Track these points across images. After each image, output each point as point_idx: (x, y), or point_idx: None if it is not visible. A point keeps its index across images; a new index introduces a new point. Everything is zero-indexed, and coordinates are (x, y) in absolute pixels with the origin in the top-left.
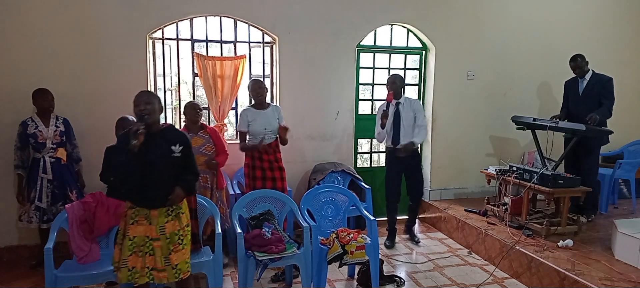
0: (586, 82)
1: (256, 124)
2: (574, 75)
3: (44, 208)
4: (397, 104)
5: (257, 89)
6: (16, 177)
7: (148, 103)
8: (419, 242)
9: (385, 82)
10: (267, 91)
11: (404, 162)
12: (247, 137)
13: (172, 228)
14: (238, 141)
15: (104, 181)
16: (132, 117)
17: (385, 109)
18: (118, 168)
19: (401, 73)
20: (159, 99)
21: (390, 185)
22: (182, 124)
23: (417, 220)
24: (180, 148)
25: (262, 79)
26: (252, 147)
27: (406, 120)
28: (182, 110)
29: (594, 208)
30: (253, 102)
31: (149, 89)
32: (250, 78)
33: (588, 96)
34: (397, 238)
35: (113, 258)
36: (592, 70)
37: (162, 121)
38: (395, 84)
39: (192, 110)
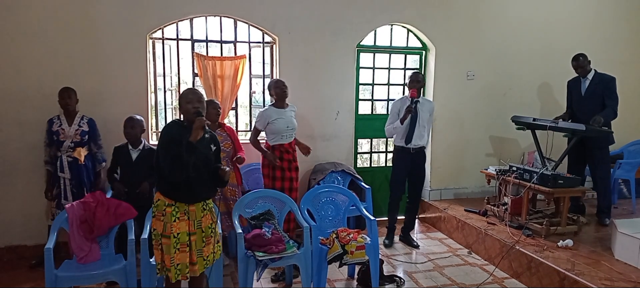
0: (589, 81)
1: (279, 123)
2: (576, 75)
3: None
4: (416, 102)
5: (282, 86)
6: (45, 172)
7: (200, 101)
8: (418, 246)
9: (409, 78)
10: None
11: (414, 161)
12: (264, 134)
13: (206, 221)
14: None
15: (111, 180)
16: (139, 117)
17: (410, 104)
18: (175, 161)
19: (401, 74)
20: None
21: (396, 184)
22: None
23: (416, 222)
24: (215, 148)
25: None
26: (270, 157)
27: (422, 120)
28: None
29: (609, 211)
30: (274, 101)
31: (193, 88)
32: (250, 78)
33: (591, 96)
34: (396, 238)
35: (156, 261)
36: (595, 70)
37: (162, 121)
38: (420, 83)
39: (213, 108)
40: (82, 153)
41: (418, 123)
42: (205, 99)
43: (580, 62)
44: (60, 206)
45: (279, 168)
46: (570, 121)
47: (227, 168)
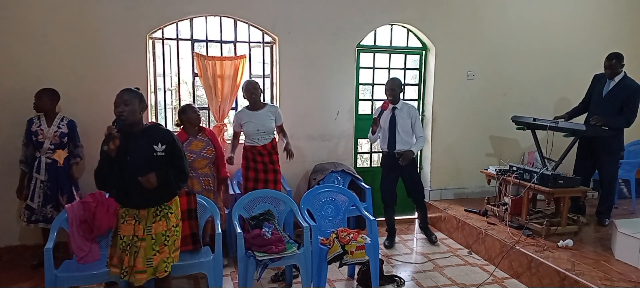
0: (614, 84)
1: (250, 126)
2: (603, 72)
3: (34, 208)
4: (394, 109)
5: (250, 89)
6: (20, 171)
7: (127, 104)
8: (436, 241)
9: (385, 87)
10: (261, 92)
11: (400, 166)
12: (242, 137)
13: (159, 229)
14: None
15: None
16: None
17: (377, 116)
18: (98, 171)
19: (401, 74)
20: (140, 97)
21: (385, 188)
22: (175, 128)
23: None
24: (163, 147)
25: (256, 80)
26: (228, 157)
27: (402, 126)
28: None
29: (609, 212)
30: (248, 103)
31: (131, 88)
32: (250, 78)
33: (610, 100)
34: (396, 238)
35: (108, 256)
36: (625, 73)
37: (161, 121)
38: (394, 91)
39: (192, 112)
40: (61, 155)
41: (397, 130)
42: (190, 106)
43: (611, 63)
44: (27, 207)
45: (253, 169)
46: (585, 119)
47: (146, 178)
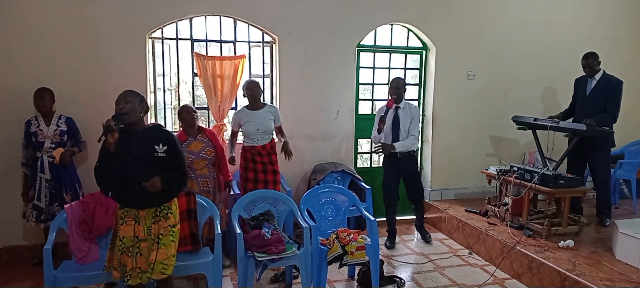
0: (595, 82)
1: (250, 125)
2: (584, 74)
3: (42, 207)
4: (397, 108)
5: (252, 87)
6: (22, 174)
7: (127, 102)
8: (431, 240)
9: (389, 86)
10: (261, 92)
11: (401, 165)
12: (240, 136)
13: (158, 229)
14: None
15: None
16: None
17: (383, 114)
18: (97, 168)
19: (401, 73)
20: (141, 97)
21: (387, 188)
22: (179, 129)
23: (424, 218)
24: (165, 148)
25: (256, 80)
26: (230, 157)
27: (404, 125)
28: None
29: (609, 212)
30: (248, 102)
31: (132, 89)
32: (250, 78)
33: (595, 98)
34: (397, 239)
35: (106, 259)
36: (603, 71)
37: (161, 121)
38: (399, 90)
39: (186, 113)
40: (59, 153)
41: (401, 129)
42: (187, 106)
43: (588, 62)
44: (35, 207)
45: (252, 170)
46: (571, 120)
47: (151, 183)
